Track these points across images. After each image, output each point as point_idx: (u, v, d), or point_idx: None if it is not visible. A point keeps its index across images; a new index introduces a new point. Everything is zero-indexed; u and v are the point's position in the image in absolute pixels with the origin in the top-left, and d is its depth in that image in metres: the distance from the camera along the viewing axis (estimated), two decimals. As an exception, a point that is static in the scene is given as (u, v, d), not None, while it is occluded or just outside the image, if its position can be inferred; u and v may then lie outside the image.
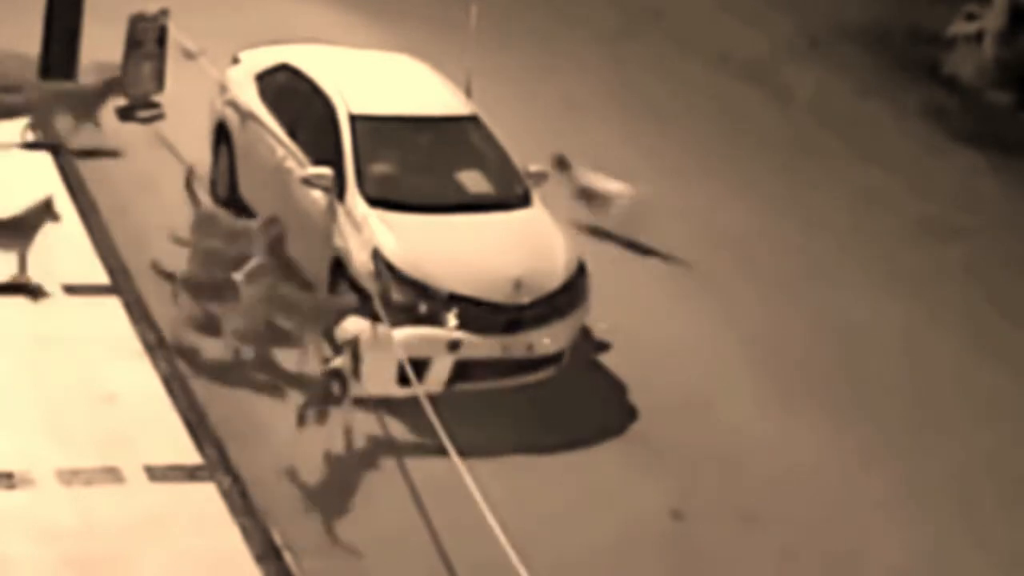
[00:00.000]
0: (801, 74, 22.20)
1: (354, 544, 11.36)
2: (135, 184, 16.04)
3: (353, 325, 12.67)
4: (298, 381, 13.01)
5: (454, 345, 12.86)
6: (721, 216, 17.40)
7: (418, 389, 12.21)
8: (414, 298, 13.06)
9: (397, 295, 13.03)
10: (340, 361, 12.29)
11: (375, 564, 11.25)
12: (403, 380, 12.55)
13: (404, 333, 12.73)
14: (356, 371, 12.38)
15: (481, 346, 13.05)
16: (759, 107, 20.91)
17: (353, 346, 12.38)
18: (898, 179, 19.17)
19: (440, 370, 12.92)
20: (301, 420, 12.13)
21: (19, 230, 13.84)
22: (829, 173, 19.15)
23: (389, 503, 11.92)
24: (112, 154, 15.95)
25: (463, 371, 13.05)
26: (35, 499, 11.29)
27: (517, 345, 13.24)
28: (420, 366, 12.73)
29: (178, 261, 13.87)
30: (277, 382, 13.08)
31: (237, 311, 13.31)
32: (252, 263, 13.43)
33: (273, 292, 13.31)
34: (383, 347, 12.55)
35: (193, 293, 13.49)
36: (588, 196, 16.43)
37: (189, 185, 14.64)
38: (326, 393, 12.19)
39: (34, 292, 13.70)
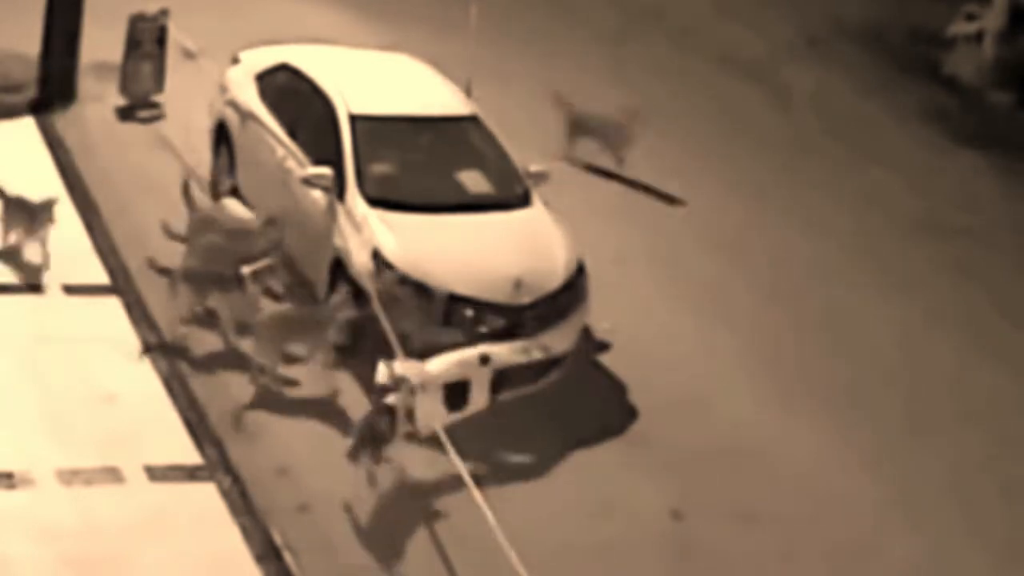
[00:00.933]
0: (801, 74, 22.19)
1: (355, 544, 11.39)
2: (135, 184, 16.03)
3: (395, 367, 12.51)
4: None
5: (484, 359, 12.79)
6: (721, 216, 17.39)
7: (471, 410, 12.12)
8: (415, 298, 13.05)
9: (396, 293, 13.00)
10: (394, 399, 12.12)
11: (375, 564, 11.25)
12: (450, 406, 12.46)
13: (439, 364, 12.62)
14: (411, 414, 12.31)
15: (506, 353, 12.97)
16: (759, 107, 20.91)
17: (407, 389, 12.24)
18: (898, 179, 19.17)
19: (481, 387, 12.84)
20: (354, 457, 11.95)
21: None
22: (829, 173, 19.14)
23: (389, 503, 11.91)
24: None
25: (499, 382, 12.90)
26: (35, 499, 11.30)
27: (535, 347, 13.20)
28: (461, 389, 12.67)
29: (176, 259, 13.85)
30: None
31: (238, 304, 13.31)
32: (259, 263, 13.43)
33: (283, 316, 13.20)
34: (430, 384, 12.45)
35: (192, 285, 13.47)
36: (594, 131, 17.40)
37: (186, 191, 14.53)
38: (375, 431, 11.98)
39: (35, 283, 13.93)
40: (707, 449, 13.14)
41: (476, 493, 11.05)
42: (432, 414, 12.36)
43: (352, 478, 11.97)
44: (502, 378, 12.89)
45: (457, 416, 12.39)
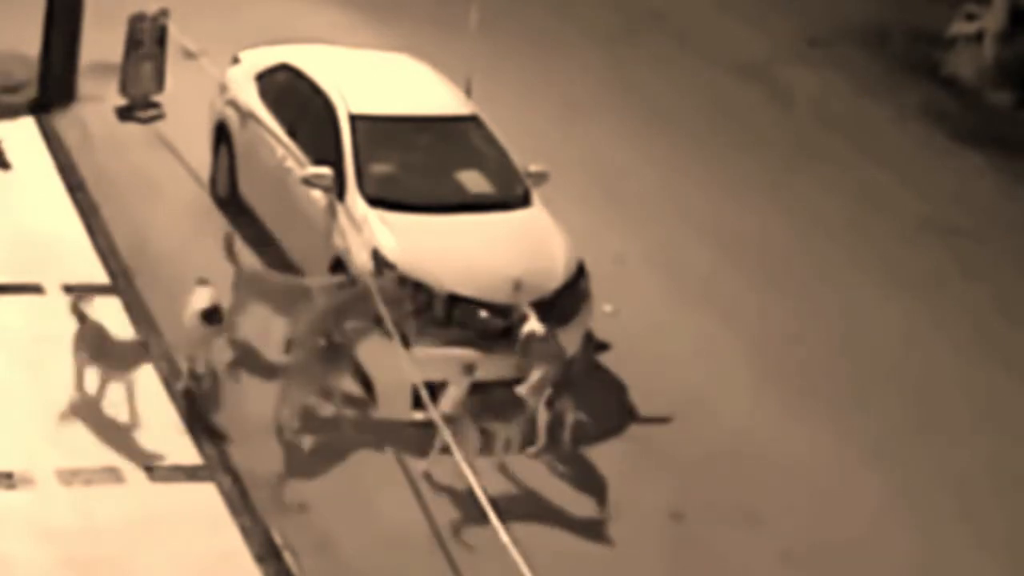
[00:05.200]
0: (801, 74, 22.18)
1: (355, 544, 11.39)
2: (135, 184, 16.04)
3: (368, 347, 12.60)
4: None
5: (469, 368, 12.77)
6: (721, 216, 17.39)
7: (433, 414, 12.07)
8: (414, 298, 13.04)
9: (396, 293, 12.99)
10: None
11: (375, 564, 11.25)
12: (419, 403, 12.44)
13: (419, 354, 12.64)
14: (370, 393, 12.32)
15: (497, 366, 12.95)
16: (759, 107, 20.90)
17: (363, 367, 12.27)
18: (898, 179, 19.16)
19: (456, 393, 12.82)
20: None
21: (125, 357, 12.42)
22: (829, 173, 19.13)
23: (389, 503, 11.92)
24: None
25: (478, 391, 12.90)
26: (35, 499, 11.30)
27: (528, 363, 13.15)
28: (435, 388, 12.67)
29: (177, 264, 13.80)
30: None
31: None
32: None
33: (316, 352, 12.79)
34: (395, 369, 12.48)
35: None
36: None
37: (229, 249, 13.50)
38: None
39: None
40: (707, 449, 13.14)
41: (477, 492, 11.05)
42: (396, 402, 12.45)
43: (352, 479, 11.99)
44: (481, 388, 12.80)
45: (421, 416, 12.39)
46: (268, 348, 13.31)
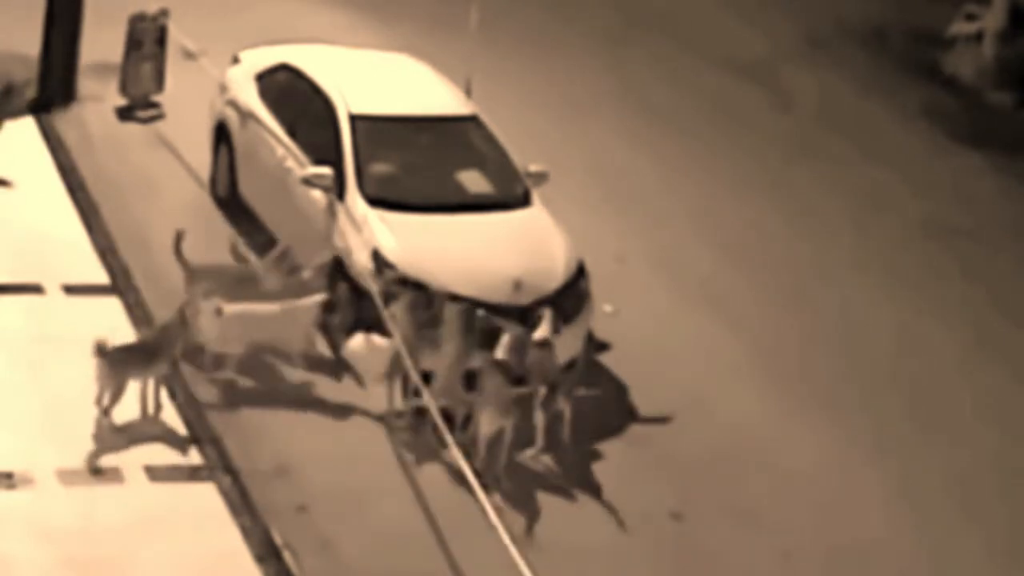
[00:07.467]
0: (801, 74, 22.18)
1: (355, 544, 11.39)
2: (135, 184, 16.04)
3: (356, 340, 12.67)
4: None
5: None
6: (721, 216, 17.39)
7: (424, 401, 12.12)
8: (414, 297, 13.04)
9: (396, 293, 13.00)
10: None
11: (375, 564, 11.26)
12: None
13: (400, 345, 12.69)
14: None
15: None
16: (760, 107, 20.89)
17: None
18: (898, 179, 19.16)
19: (445, 384, 12.83)
20: None
21: (153, 353, 12.40)
22: (829, 173, 19.13)
23: (389, 503, 11.92)
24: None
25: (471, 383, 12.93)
26: (35, 499, 11.31)
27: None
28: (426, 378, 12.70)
29: (177, 264, 13.77)
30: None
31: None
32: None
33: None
34: (379, 358, 12.53)
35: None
36: None
37: (177, 246, 13.53)
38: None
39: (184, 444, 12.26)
40: (707, 449, 13.14)
41: (480, 492, 11.05)
42: (386, 398, 12.64)
43: (352, 479, 11.99)
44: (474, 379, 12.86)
45: (415, 403, 12.46)
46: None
